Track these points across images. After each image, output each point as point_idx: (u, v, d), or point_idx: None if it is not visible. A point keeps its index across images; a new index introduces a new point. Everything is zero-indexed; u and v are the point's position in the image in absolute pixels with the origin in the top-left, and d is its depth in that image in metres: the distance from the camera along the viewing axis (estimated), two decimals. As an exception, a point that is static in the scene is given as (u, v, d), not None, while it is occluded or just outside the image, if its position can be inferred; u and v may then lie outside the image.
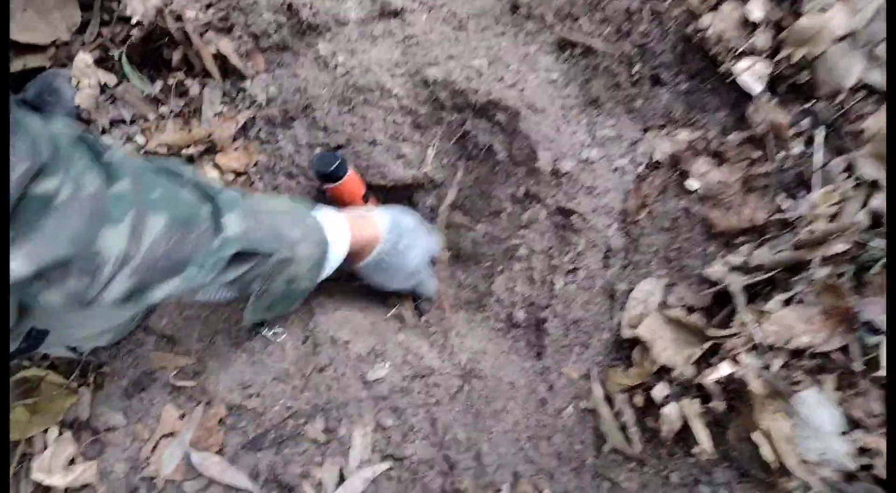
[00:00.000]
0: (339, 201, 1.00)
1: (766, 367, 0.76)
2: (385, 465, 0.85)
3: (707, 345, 0.79)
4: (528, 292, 0.95)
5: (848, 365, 0.72)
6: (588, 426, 0.85)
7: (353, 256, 0.87)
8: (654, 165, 0.96)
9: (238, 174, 1.03)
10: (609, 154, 0.97)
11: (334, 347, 0.92)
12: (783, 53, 0.85)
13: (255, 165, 1.03)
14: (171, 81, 1.05)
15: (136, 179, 0.57)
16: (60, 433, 0.90)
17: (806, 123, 0.86)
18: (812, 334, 0.75)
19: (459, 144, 1.03)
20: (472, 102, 0.98)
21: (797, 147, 0.87)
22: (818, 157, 0.83)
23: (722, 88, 0.93)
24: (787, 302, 0.78)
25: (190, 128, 1.05)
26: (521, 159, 0.97)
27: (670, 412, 0.78)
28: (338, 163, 0.94)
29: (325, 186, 0.97)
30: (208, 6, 1.06)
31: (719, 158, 0.92)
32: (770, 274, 0.78)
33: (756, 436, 0.70)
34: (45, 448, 0.89)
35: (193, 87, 1.05)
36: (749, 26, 0.88)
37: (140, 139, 1.05)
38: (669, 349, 0.82)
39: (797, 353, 0.76)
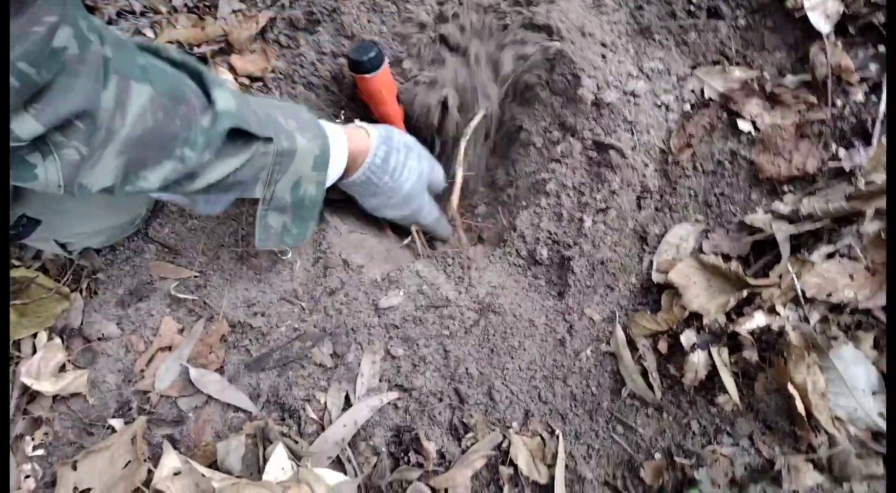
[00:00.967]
0: (371, 99, 0.95)
1: (804, 319, 0.74)
2: (393, 394, 0.83)
3: (743, 293, 0.76)
4: (554, 229, 0.92)
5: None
6: (606, 369, 0.83)
7: (344, 169, 0.84)
8: (702, 103, 0.92)
9: (253, 79, 0.97)
10: (655, 89, 0.92)
11: (347, 270, 0.89)
12: (860, -11, 0.80)
13: (273, 71, 0.98)
14: (187, -29, 0.99)
15: (118, 47, 0.53)
16: (50, 339, 0.87)
17: (874, 68, 0.82)
18: (855, 289, 0.73)
19: (493, 67, 0.97)
20: (514, 20, 0.93)
21: (859, 94, 0.82)
22: (883, 106, 0.79)
23: (785, 26, 0.89)
24: (832, 255, 0.75)
25: (204, 25, 0.99)
26: (562, 86, 0.92)
27: (697, 359, 0.76)
28: (375, 52, 0.89)
29: (359, 76, 0.92)
30: None
31: (774, 100, 0.88)
32: (819, 225, 0.75)
33: (790, 388, 0.69)
34: (34, 353, 0.86)
35: (211, -21, 0.99)
36: (826, -44, 0.83)
37: (149, 33, 0.99)
38: (702, 296, 0.79)
39: (837, 308, 0.74)
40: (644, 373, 0.81)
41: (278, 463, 0.75)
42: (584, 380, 0.84)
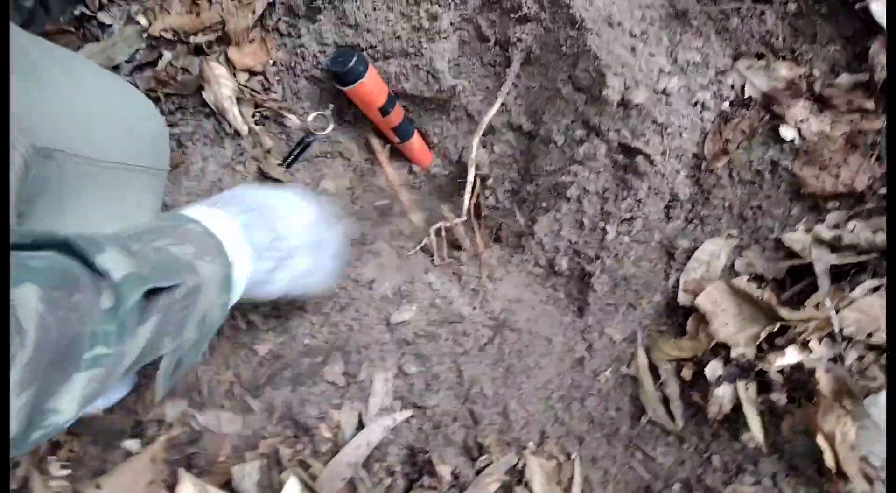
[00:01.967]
0: (359, 107, 0.90)
1: (839, 359, 0.71)
2: (406, 413, 0.83)
3: (775, 326, 0.73)
4: (575, 238, 0.88)
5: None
6: (626, 392, 0.82)
7: None
8: (742, 103, 0.84)
9: (253, 74, 0.92)
10: (690, 84, 0.85)
11: (357, 287, 0.86)
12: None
13: (274, 63, 0.92)
14: (176, -50, 0.91)
15: None
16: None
17: (940, 71, 0.74)
18: (898, 329, 0.69)
19: (507, 61, 0.90)
20: (532, 9, 0.85)
21: (922, 100, 0.75)
22: (948, 117, 0.72)
23: (841, 15, 0.80)
24: (877, 289, 0.71)
25: (199, 10, 0.92)
26: (585, 84, 0.85)
27: (723, 393, 0.74)
28: (353, 61, 0.83)
29: (340, 88, 0.87)
30: None
31: (823, 103, 0.80)
32: (863, 258, 0.70)
33: (819, 440, 0.66)
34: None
35: (203, -41, 0.91)
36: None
37: (142, 20, 0.93)
38: (731, 325, 0.76)
39: (878, 348, 0.70)
40: (665, 401, 0.79)
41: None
42: (603, 402, 0.82)
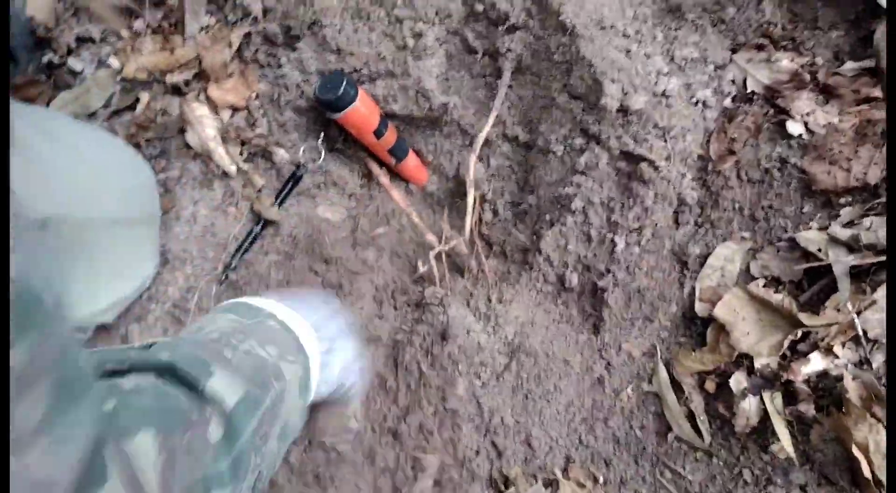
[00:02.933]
0: (351, 132, 0.88)
1: (866, 362, 0.70)
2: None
3: (798, 333, 0.72)
4: (584, 252, 0.87)
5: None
6: (650, 409, 0.81)
7: None
8: (745, 98, 0.83)
9: (236, 109, 0.90)
10: (690, 82, 0.83)
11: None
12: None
13: (257, 97, 0.90)
14: (143, -13, 0.89)
15: (92, 424, 0.33)
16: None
17: (950, 54, 0.72)
18: (926, 327, 0.67)
19: (497, 71, 0.88)
20: (519, 18, 0.83)
21: (932, 84, 0.73)
22: (961, 102, 0.70)
23: (843, -1, 0.77)
24: (900, 287, 0.69)
25: (172, 47, 0.90)
26: (582, 92, 0.83)
27: (749, 406, 0.73)
28: (343, 86, 0.81)
29: (330, 116, 0.85)
30: None
31: (828, 93, 0.78)
32: (882, 258, 0.69)
33: (853, 451, 0.65)
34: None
35: (171, -6, 0.89)
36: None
37: (114, 62, 0.91)
38: (752, 335, 0.75)
39: (906, 348, 0.69)
40: (691, 416, 0.79)
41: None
42: (627, 422, 0.82)
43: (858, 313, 0.70)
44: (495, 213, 0.98)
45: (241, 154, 0.89)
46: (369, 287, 0.89)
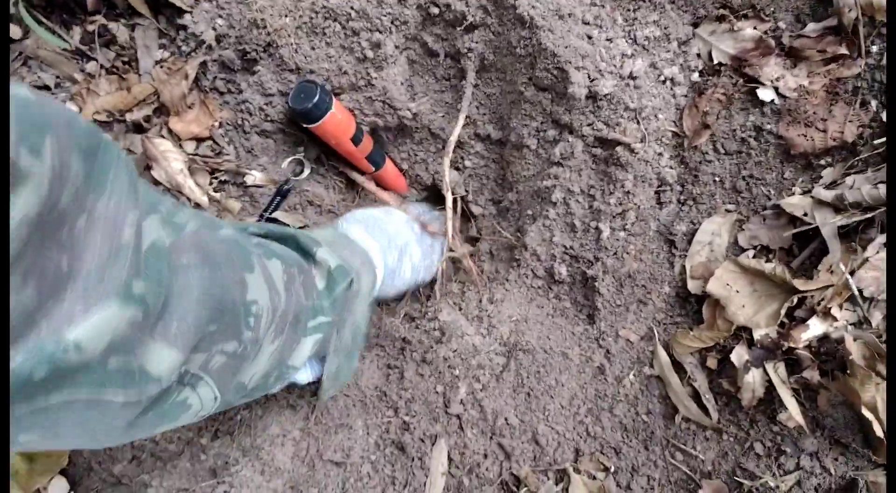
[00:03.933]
0: (329, 142, 0.87)
1: (865, 321, 0.69)
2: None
3: (794, 299, 0.71)
4: (569, 242, 0.86)
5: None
6: (654, 393, 0.81)
7: None
8: (712, 71, 0.82)
9: (200, 140, 0.89)
10: (655, 61, 0.83)
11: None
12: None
13: (220, 125, 0.89)
14: (91, 27, 0.88)
15: (233, 227, 0.53)
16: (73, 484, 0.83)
17: (910, 3, 0.72)
18: (920, 280, 0.67)
19: (461, 72, 0.88)
20: (477, 16, 0.82)
21: (897, 35, 0.73)
22: (927, 50, 0.70)
23: (796, -40, 0.77)
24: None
25: (129, 85, 0.89)
26: (548, 83, 0.82)
27: (752, 379, 0.73)
28: (316, 98, 0.80)
29: (306, 126, 0.84)
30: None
31: (795, 56, 0.78)
32: (870, 215, 0.69)
33: (864, 412, 0.65)
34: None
35: (120, 31, 0.88)
36: None
37: (72, 107, 0.89)
38: (748, 307, 0.74)
39: (902, 304, 0.68)
40: (696, 395, 0.78)
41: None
42: (633, 408, 0.81)
43: (852, 273, 0.70)
44: (475, 214, 0.98)
45: (210, 184, 0.88)
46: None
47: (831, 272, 0.71)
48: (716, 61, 0.82)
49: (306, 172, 0.91)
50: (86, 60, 0.90)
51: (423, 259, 0.90)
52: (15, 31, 0.89)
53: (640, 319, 0.83)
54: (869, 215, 0.69)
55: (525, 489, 0.80)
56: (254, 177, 0.89)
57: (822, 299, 0.71)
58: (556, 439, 0.82)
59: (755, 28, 0.79)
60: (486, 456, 0.81)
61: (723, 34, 0.81)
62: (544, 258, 0.88)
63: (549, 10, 0.80)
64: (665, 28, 0.83)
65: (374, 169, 0.93)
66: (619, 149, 0.81)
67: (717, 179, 0.81)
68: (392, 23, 0.85)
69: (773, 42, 0.78)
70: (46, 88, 0.90)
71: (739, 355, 0.74)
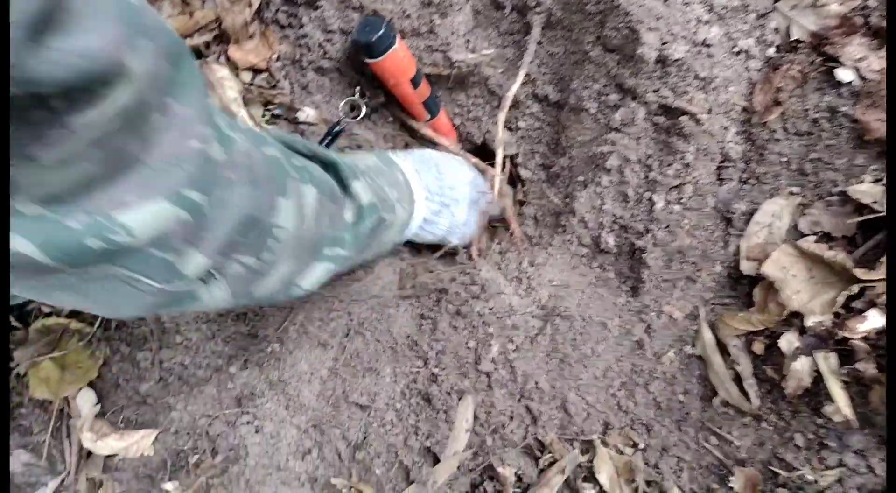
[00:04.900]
0: (386, 82, 0.86)
1: (928, 317, 0.66)
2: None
3: (853, 289, 0.69)
4: (620, 211, 0.84)
5: None
6: (693, 373, 0.78)
7: None
8: (790, 47, 0.79)
9: (257, 71, 0.88)
10: (731, 32, 0.80)
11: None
12: None
13: (278, 58, 0.88)
14: (159, -52, 0.87)
15: (279, 146, 0.55)
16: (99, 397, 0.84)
17: None
18: None
19: (526, 27, 0.86)
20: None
21: None
22: None
23: (897, -65, 0.73)
24: (964, 237, 0.66)
25: (192, 10, 0.88)
26: (617, 44, 0.80)
27: (801, 367, 0.70)
28: (381, 32, 0.79)
29: (366, 61, 0.83)
30: None
31: (882, 38, 0.74)
32: (949, 205, 0.65)
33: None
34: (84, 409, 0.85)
35: (188, -46, 0.87)
36: None
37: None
38: (804, 292, 0.71)
39: (970, 302, 0.65)
40: (738, 379, 0.76)
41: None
42: (669, 386, 0.79)
43: (919, 266, 0.67)
44: (524, 178, 0.96)
45: (263, 116, 0.88)
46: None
47: (897, 264, 0.68)
48: (794, 37, 0.78)
49: (363, 113, 0.89)
50: (151, -19, 0.89)
51: (462, 225, 0.88)
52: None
53: (687, 296, 0.80)
54: (947, 206, 0.66)
55: (549, 455, 0.78)
56: (306, 113, 0.88)
57: (884, 292, 0.68)
58: (585, 409, 0.80)
59: (842, 4, 0.76)
60: (511, 418, 0.80)
61: (805, 9, 0.78)
62: (592, 226, 0.86)
63: (627, -35, 0.78)
64: (745, -1, 0.80)
65: (428, 117, 0.91)
66: (683, 118, 0.79)
67: (783, 159, 0.78)
68: (463, -32, 0.83)
69: (859, 20, 0.75)
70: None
71: (789, 341, 0.72)
